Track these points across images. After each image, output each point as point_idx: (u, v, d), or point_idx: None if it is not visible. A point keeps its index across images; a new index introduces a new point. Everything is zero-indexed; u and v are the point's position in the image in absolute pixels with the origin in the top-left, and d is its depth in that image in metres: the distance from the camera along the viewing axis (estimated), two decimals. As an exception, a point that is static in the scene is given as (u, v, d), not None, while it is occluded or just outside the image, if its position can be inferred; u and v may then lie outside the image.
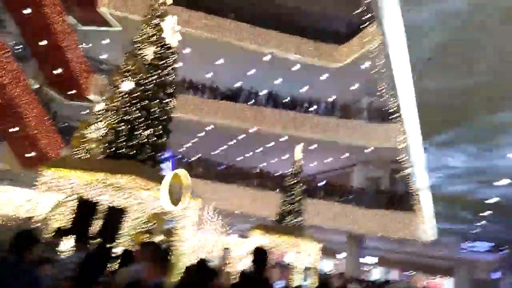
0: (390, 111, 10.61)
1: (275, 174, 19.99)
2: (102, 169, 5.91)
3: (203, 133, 21.69)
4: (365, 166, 21.24)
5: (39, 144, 14.79)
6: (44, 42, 16.12)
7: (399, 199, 18.47)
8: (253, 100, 20.57)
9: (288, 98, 20.76)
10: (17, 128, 15.00)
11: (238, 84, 21.24)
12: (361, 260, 22.97)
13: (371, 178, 20.83)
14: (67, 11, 17.34)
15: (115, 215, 5.46)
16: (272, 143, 21.35)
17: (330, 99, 20.84)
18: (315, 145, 20.38)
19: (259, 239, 13.23)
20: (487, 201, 10.38)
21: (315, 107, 20.83)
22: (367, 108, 20.50)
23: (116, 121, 6.94)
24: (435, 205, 12.26)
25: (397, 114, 9.01)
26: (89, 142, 7.89)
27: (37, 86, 17.04)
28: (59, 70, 16.92)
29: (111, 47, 19.92)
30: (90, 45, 19.28)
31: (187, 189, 6.86)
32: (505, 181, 8.65)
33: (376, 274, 31.34)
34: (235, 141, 22.23)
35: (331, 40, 20.06)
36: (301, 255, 13.65)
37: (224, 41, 19.29)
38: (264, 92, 20.87)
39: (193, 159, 21.86)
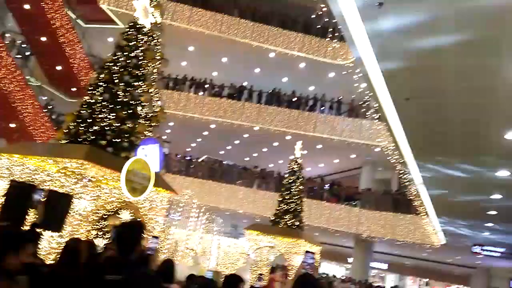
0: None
1: (278, 174, 19.37)
2: (52, 154, 5.52)
3: (206, 132, 21.33)
4: (373, 167, 20.42)
5: (36, 141, 14.65)
6: (44, 39, 16.05)
7: (407, 201, 17.61)
8: (257, 99, 20.03)
9: (294, 97, 20.14)
10: (13, 125, 14.91)
11: (242, 83, 20.79)
12: (371, 264, 22.07)
13: (379, 180, 20.02)
14: (68, 8, 17.30)
15: (58, 201, 5.03)
16: (277, 143, 20.80)
17: (337, 98, 20.13)
18: (320, 145, 19.74)
19: (252, 239, 12.72)
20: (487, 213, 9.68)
21: (321, 106, 20.18)
22: (375, 107, 19.70)
23: (79, 105, 6.57)
24: (437, 212, 11.51)
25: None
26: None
27: (37, 83, 17.00)
28: (59, 67, 16.81)
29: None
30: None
31: (150, 179, 6.38)
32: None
33: (390, 280, 30.27)
34: (238, 141, 21.78)
35: (338, 37, 19.41)
36: (299, 256, 12.97)
37: (228, 38, 18.90)
38: (269, 90, 20.33)
39: (198, 158, 21.48)
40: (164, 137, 20.53)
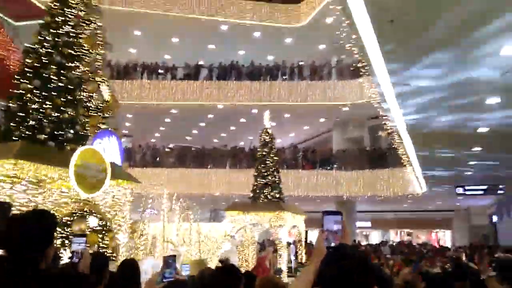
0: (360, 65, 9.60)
1: (250, 150, 18.73)
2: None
3: (168, 119, 20.30)
4: (343, 127, 20.08)
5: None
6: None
7: (383, 156, 17.43)
8: (215, 75, 19.11)
9: (253, 68, 19.33)
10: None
11: (198, 62, 19.77)
12: (356, 224, 22.03)
13: (351, 139, 19.72)
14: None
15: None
16: (243, 119, 20.07)
17: (297, 63, 19.49)
18: (288, 114, 19.17)
19: (234, 220, 12.08)
20: (478, 131, 9.31)
21: (282, 74, 19.49)
22: (337, 66, 19.25)
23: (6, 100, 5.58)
24: (418, 149, 11.16)
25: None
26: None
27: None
28: (-6, 72, 15.25)
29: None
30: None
31: (105, 170, 5.54)
32: (493, 100, 7.58)
33: (375, 237, 30.66)
34: (204, 123, 20.90)
35: (288, -1, 18.67)
36: (284, 229, 12.45)
37: (175, 16, 17.75)
38: (226, 65, 19.41)
39: (164, 147, 20.47)
40: (124, 131, 19.46)
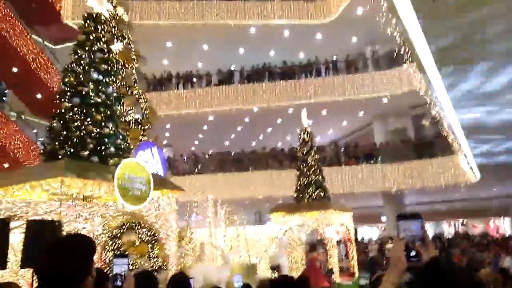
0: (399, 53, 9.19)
1: (290, 150, 18.51)
2: (26, 179, 4.67)
3: (206, 126, 20.46)
4: (384, 120, 19.44)
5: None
6: (15, 69, 15.20)
7: (429, 145, 16.70)
8: (248, 79, 19.07)
9: (285, 68, 19.14)
10: (7, 165, 14.18)
11: (230, 67, 19.82)
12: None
13: (393, 131, 19.03)
14: (32, 32, 16.39)
15: (42, 231, 4.19)
16: (280, 120, 19.88)
17: (331, 58, 19.10)
18: (325, 111, 18.80)
19: (280, 222, 11.90)
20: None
21: (316, 70, 19.16)
22: (373, 58, 18.70)
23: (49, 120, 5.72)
24: (471, 140, 10.55)
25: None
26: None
27: (14, 115, 16.25)
28: (38, 95, 15.99)
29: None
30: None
31: (148, 182, 5.53)
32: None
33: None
34: (241, 127, 20.90)
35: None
36: (332, 227, 12.14)
37: (204, 24, 17.89)
38: (258, 67, 19.34)
39: (204, 154, 20.63)
40: (165, 142, 19.80)
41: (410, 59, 8.55)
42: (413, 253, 1.36)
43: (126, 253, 6.29)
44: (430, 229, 29.35)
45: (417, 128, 18.82)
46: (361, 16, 17.07)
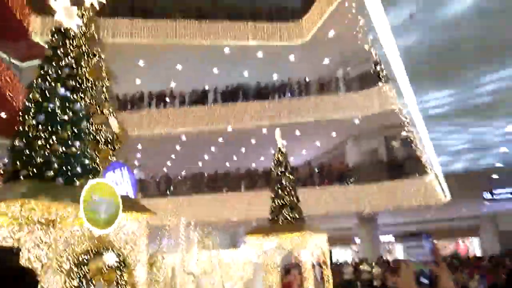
0: (375, 73, 9.32)
1: (264, 171, 18.35)
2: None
3: (179, 147, 20.09)
4: (356, 140, 19.66)
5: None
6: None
7: (401, 165, 16.92)
8: (222, 99, 18.97)
9: (259, 89, 19.18)
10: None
11: (204, 87, 19.68)
12: (380, 238, 21.29)
13: (366, 151, 19.25)
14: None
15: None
16: (253, 140, 19.78)
17: (304, 79, 19.29)
18: (298, 132, 18.85)
19: (255, 244, 11.60)
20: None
21: (290, 91, 19.29)
22: (344, 78, 19.01)
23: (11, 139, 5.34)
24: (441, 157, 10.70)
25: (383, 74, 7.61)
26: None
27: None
28: (3, 114, 15.30)
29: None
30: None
31: (117, 204, 5.21)
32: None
33: (399, 251, 29.69)
34: (215, 147, 20.65)
35: (288, 17, 18.61)
36: (307, 250, 11.93)
37: (177, 44, 17.77)
38: (231, 87, 19.29)
39: (177, 176, 20.18)
40: (136, 163, 19.26)
41: (384, 77, 8.66)
42: (424, 280, 1.19)
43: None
44: (402, 250, 29.54)
45: (389, 149, 19.10)
46: (333, 37, 17.39)
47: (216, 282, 9.59)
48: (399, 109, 9.44)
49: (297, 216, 12.11)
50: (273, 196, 12.36)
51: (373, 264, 16.46)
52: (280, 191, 12.26)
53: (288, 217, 11.92)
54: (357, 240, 22.42)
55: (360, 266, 15.97)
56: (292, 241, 11.56)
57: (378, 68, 7.13)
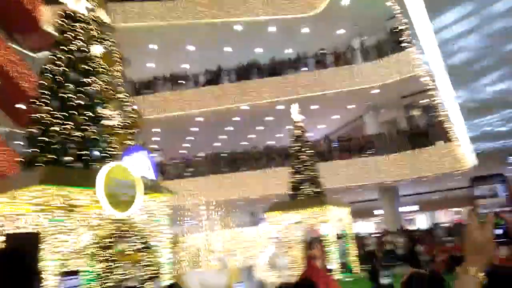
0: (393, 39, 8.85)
1: (282, 147, 18.24)
2: (2, 190, 4.33)
3: (195, 128, 20.09)
4: (375, 111, 19.25)
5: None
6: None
7: (422, 133, 16.53)
8: (236, 77, 18.75)
9: (273, 64, 18.87)
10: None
11: (217, 66, 19.47)
12: (401, 210, 21.07)
13: (385, 122, 18.87)
14: (11, 42, 15.89)
15: (22, 245, 3.85)
16: (270, 117, 19.60)
17: (319, 52, 18.86)
18: (316, 105, 18.56)
19: (276, 221, 11.61)
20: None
21: (305, 65, 18.92)
22: (361, 48, 18.50)
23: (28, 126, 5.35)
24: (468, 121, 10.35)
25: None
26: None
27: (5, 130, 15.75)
28: (20, 105, 15.48)
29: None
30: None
31: (136, 186, 5.21)
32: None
33: (421, 221, 29.44)
34: (231, 127, 20.58)
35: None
36: (329, 223, 11.88)
37: (188, 24, 17.50)
38: (246, 65, 19.04)
39: (195, 156, 20.25)
40: (154, 146, 19.39)
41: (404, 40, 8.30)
42: (498, 231, 1.00)
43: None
44: (424, 220, 29.30)
45: (409, 118, 18.67)
46: (347, 7, 16.86)
47: (239, 259, 9.66)
48: (419, 74, 9.08)
49: (317, 191, 12.08)
50: (292, 171, 12.33)
51: (397, 234, 16.36)
52: (299, 166, 12.22)
53: (308, 192, 11.91)
54: (376, 212, 22.28)
55: (384, 238, 15.88)
56: (313, 215, 11.57)
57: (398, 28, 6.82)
